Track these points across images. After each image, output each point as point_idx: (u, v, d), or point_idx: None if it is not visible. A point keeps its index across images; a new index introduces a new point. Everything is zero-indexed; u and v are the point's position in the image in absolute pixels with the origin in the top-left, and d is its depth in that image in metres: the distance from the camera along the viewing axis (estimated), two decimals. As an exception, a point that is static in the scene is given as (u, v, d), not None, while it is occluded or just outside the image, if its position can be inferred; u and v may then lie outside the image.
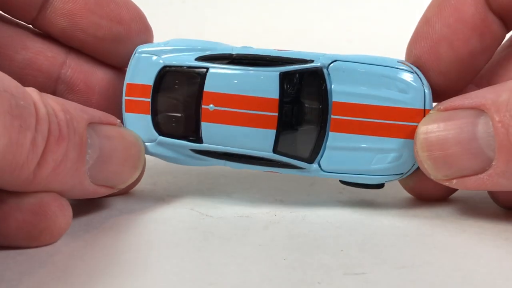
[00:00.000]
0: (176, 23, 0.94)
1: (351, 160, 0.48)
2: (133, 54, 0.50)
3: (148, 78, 0.50)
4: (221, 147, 0.48)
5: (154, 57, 0.50)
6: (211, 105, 0.48)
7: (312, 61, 0.48)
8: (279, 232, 0.47)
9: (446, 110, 0.46)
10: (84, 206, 0.50)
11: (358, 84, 0.48)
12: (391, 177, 0.49)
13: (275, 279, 0.42)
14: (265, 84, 0.48)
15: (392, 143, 0.48)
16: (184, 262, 0.43)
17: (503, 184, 0.45)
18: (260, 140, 0.48)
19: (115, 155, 0.48)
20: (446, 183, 0.46)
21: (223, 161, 0.49)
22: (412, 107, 0.48)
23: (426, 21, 0.49)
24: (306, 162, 0.48)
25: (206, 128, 0.48)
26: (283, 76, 0.48)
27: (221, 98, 0.48)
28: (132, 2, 0.52)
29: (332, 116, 0.48)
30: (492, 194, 0.50)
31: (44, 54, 0.51)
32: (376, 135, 0.48)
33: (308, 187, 0.53)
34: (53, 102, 0.43)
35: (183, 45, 0.50)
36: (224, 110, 0.48)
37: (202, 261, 0.44)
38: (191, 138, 0.49)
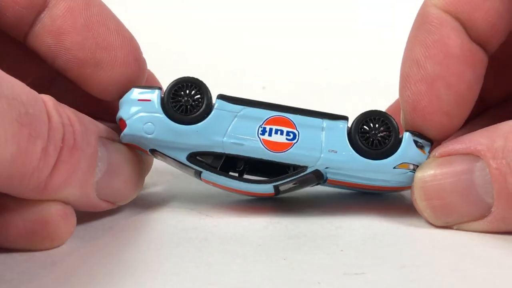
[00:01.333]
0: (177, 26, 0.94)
1: None
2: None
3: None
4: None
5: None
6: None
7: (306, 167, 0.47)
8: (279, 232, 0.47)
9: (441, 156, 0.46)
10: (84, 206, 0.50)
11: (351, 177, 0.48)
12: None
13: (275, 279, 0.42)
14: (260, 190, 0.49)
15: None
16: (184, 262, 0.43)
17: (503, 228, 0.45)
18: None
19: (122, 171, 0.47)
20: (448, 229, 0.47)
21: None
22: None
23: (414, 63, 0.47)
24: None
25: None
26: (277, 186, 0.49)
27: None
28: (127, 31, 0.50)
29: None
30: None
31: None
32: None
33: (308, 188, 0.53)
34: (69, 112, 0.43)
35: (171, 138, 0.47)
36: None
37: (202, 261, 0.44)
38: None
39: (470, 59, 0.47)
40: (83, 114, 0.45)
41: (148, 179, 0.54)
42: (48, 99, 0.42)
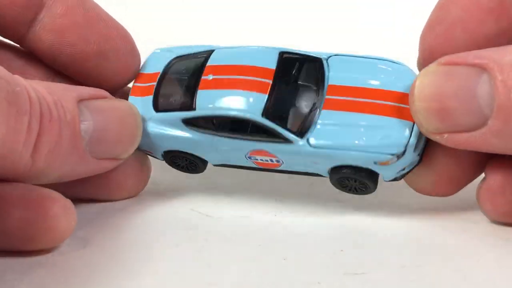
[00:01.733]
0: (176, 24, 0.94)
1: (340, 136, 0.47)
2: (149, 56, 0.52)
3: (158, 67, 0.51)
4: (211, 111, 0.47)
5: (168, 53, 0.51)
6: (210, 75, 0.48)
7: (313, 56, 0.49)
8: (279, 232, 0.47)
9: (447, 64, 0.45)
10: (84, 206, 0.50)
11: (354, 71, 0.48)
12: (381, 156, 0.46)
13: (275, 279, 0.42)
14: (264, 57, 0.49)
15: (382, 121, 0.47)
16: (185, 262, 0.44)
17: (494, 144, 0.44)
18: (251, 102, 0.47)
19: (111, 126, 0.47)
20: (437, 137, 0.45)
21: (212, 137, 0.48)
22: (404, 92, 0.47)
23: (440, 7, 0.48)
24: (295, 135, 0.47)
25: (201, 95, 0.48)
26: (283, 54, 0.49)
27: (221, 69, 0.48)
28: (120, 25, 0.52)
29: (326, 97, 0.48)
30: (483, 207, 0.49)
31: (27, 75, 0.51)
32: (367, 113, 0.47)
33: (308, 187, 0.53)
34: (39, 86, 0.43)
35: (198, 47, 0.51)
36: (222, 78, 0.48)
37: (202, 261, 0.44)
38: (184, 108, 0.48)
39: (497, 11, 0.46)
40: (56, 83, 0.46)
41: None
42: (18, 75, 0.42)
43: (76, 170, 0.46)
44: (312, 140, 0.47)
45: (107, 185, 0.50)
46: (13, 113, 0.40)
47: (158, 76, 0.50)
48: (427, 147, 0.48)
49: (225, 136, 0.48)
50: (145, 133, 0.49)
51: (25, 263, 0.42)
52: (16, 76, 0.42)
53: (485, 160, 0.47)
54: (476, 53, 0.45)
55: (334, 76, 0.48)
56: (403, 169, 0.47)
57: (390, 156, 0.46)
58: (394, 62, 0.49)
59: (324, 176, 0.48)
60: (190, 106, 0.48)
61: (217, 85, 0.48)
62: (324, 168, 0.48)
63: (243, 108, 0.47)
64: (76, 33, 0.49)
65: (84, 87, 0.47)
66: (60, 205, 0.44)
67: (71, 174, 0.46)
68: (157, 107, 0.49)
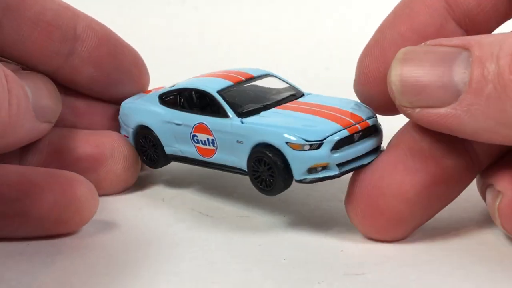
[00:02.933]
0: (175, 23, 0.94)
1: (270, 120, 0.48)
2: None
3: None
4: (182, 86, 0.52)
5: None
6: None
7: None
8: (279, 232, 0.47)
9: (433, 45, 0.45)
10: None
11: (322, 99, 0.50)
12: (294, 138, 0.46)
13: (275, 279, 0.42)
14: (253, 69, 0.53)
15: (315, 119, 0.47)
16: (185, 262, 0.44)
17: (465, 121, 0.43)
18: (216, 82, 0.51)
19: (41, 92, 0.49)
20: (409, 111, 0.45)
21: (172, 111, 0.51)
22: (356, 113, 0.48)
23: (378, 30, 0.49)
24: (234, 114, 0.49)
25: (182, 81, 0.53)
26: (268, 75, 0.53)
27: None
28: (131, 47, 0.55)
29: (286, 104, 0.50)
30: (505, 226, 0.47)
31: None
32: (307, 114, 0.48)
33: (308, 187, 0.53)
34: None
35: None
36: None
37: (203, 261, 0.44)
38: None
39: (432, 36, 0.47)
40: None
41: (148, 179, 0.54)
42: None
43: (31, 133, 0.48)
44: (246, 120, 0.48)
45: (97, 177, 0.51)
46: None
47: None
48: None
49: (181, 110, 0.51)
50: (132, 108, 0.53)
51: (25, 263, 0.42)
52: None
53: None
54: (460, 37, 0.45)
55: (303, 99, 0.50)
56: (316, 169, 0.46)
57: (302, 141, 0.46)
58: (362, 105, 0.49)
59: (244, 172, 0.48)
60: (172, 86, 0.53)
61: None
62: (245, 151, 0.48)
63: (207, 85, 0.51)
64: (110, 62, 0.53)
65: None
66: (86, 187, 0.47)
67: (27, 138, 0.47)
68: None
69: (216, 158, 0.49)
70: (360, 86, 0.49)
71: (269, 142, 0.46)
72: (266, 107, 0.49)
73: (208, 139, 0.49)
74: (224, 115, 0.49)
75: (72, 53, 0.52)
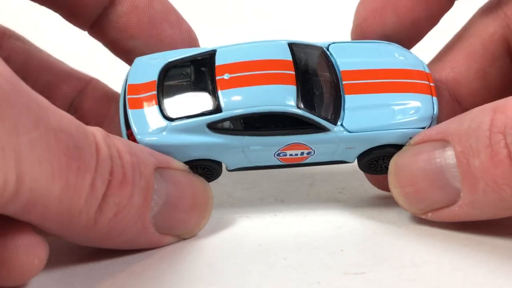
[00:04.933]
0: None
1: (373, 118, 0.47)
2: (132, 65, 0.49)
3: (151, 76, 0.48)
4: (242, 110, 0.45)
5: (154, 60, 0.49)
6: (226, 75, 0.46)
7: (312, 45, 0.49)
8: (279, 232, 0.47)
9: (416, 144, 0.46)
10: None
11: (359, 56, 0.49)
12: (416, 130, 0.47)
13: (275, 279, 0.42)
14: (277, 50, 0.48)
15: (407, 98, 0.47)
16: (185, 262, 0.44)
17: (473, 213, 0.44)
18: (282, 95, 0.46)
19: (182, 202, 0.45)
20: (423, 216, 0.47)
21: (241, 139, 0.46)
22: (415, 68, 0.49)
23: None
24: (330, 123, 0.46)
25: (225, 95, 0.46)
26: (292, 46, 0.48)
27: (235, 66, 0.47)
28: (186, 22, 0.51)
29: (344, 82, 0.48)
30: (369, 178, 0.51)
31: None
32: (389, 92, 0.48)
33: (308, 187, 0.53)
34: (120, 144, 0.41)
35: (182, 51, 0.49)
36: (241, 75, 0.46)
37: (203, 261, 0.44)
38: (208, 112, 0.46)
39: None
40: (138, 145, 0.44)
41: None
42: (97, 131, 0.40)
43: (136, 240, 0.43)
44: (348, 125, 0.47)
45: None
46: (73, 169, 0.37)
47: (156, 84, 0.47)
48: None
49: (256, 135, 0.46)
50: (160, 146, 0.45)
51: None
52: (88, 130, 0.40)
53: None
54: (439, 126, 0.46)
55: (341, 62, 0.49)
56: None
57: (421, 130, 0.47)
58: (386, 43, 0.50)
59: (349, 162, 0.49)
60: (216, 109, 0.45)
61: (239, 83, 0.46)
62: (356, 153, 0.48)
63: (277, 102, 0.46)
64: (137, 36, 0.50)
65: (164, 155, 0.45)
66: (25, 238, 0.39)
67: (130, 243, 0.43)
68: (168, 117, 0.46)
69: (307, 162, 0.48)
70: (357, 36, 0.51)
71: (393, 143, 0.47)
72: (337, 97, 0.47)
73: (302, 152, 0.47)
74: (321, 128, 0.46)
75: (102, 14, 0.49)
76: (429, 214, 0.46)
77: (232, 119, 0.45)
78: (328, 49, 0.49)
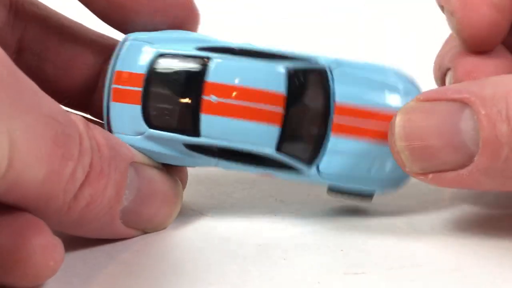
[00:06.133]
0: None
1: (350, 167, 0.47)
2: (121, 41, 0.47)
3: (140, 67, 0.46)
4: (220, 141, 0.46)
5: (147, 46, 0.47)
6: (212, 96, 0.46)
7: (316, 61, 0.47)
8: (279, 232, 0.47)
9: (427, 100, 0.44)
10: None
11: (362, 86, 0.47)
12: (387, 190, 0.47)
13: (275, 279, 0.42)
14: (272, 78, 0.46)
15: (388, 154, 0.46)
16: (184, 262, 0.44)
17: (483, 182, 0.42)
18: (263, 136, 0.46)
19: (152, 199, 0.45)
20: (421, 177, 0.44)
21: (215, 160, 0.47)
22: None
23: None
24: (305, 164, 0.46)
25: (206, 121, 0.46)
26: (290, 72, 0.47)
27: (224, 89, 0.46)
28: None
29: (334, 118, 0.47)
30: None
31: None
32: (377, 143, 0.47)
33: (308, 187, 0.53)
34: (100, 136, 0.41)
35: (179, 35, 0.47)
36: (228, 103, 0.46)
37: (202, 261, 0.44)
38: (186, 131, 0.46)
39: None
40: (117, 138, 0.44)
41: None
42: (79, 120, 0.41)
43: (102, 230, 0.44)
44: (323, 169, 0.47)
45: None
46: (58, 155, 0.38)
47: (143, 80, 0.46)
48: None
49: (231, 161, 0.47)
50: (133, 147, 0.45)
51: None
52: (72, 118, 0.40)
53: None
54: (454, 87, 0.44)
55: (339, 92, 0.47)
56: None
57: (394, 190, 0.47)
58: (399, 76, 0.48)
59: None
60: (194, 132, 0.46)
61: (223, 111, 0.46)
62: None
63: (257, 142, 0.46)
64: (152, 16, 0.47)
65: (138, 151, 0.45)
66: (42, 239, 0.39)
67: (96, 232, 0.44)
68: (149, 122, 0.46)
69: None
70: (461, 16, 0.47)
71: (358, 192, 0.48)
72: (322, 136, 0.47)
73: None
74: (294, 169, 0.47)
75: None
76: (430, 176, 0.44)
77: (211, 146, 0.46)
78: (331, 71, 0.47)
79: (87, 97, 0.51)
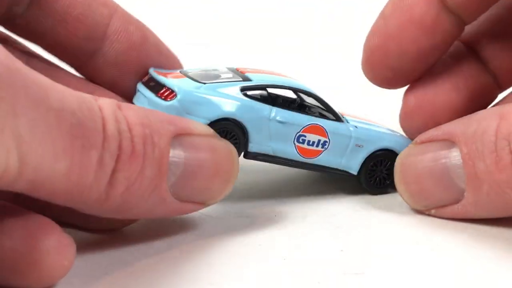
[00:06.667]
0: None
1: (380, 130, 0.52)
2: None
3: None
4: (270, 82, 0.49)
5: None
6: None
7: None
8: (279, 232, 0.47)
9: (422, 143, 0.48)
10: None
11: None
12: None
13: (275, 279, 0.42)
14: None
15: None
16: (184, 262, 0.43)
17: (474, 214, 0.46)
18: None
19: (203, 170, 0.44)
20: (426, 213, 0.48)
21: (269, 107, 0.49)
22: None
23: (382, 16, 0.51)
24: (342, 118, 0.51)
25: (251, 75, 0.50)
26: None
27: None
28: (177, 58, 0.52)
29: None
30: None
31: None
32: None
33: (308, 187, 0.53)
34: (132, 115, 0.41)
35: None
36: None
37: (202, 261, 0.44)
38: (239, 80, 0.49)
39: (431, 27, 0.49)
40: (157, 112, 0.43)
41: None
42: (106, 104, 0.40)
43: (154, 209, 0.43)
44: (358, 126, 0.51)
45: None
46: (77, 147, 0.37)
47: (180, 72, 0.50)
48: None
49: (284, 108, 0.49)
50: (196, 99, 0.47)
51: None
52: (94, 105, 0.39)
53: None
54: (445, 127, 0.47)
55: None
56: None
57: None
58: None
59: (351, 174, 0.51)
60: (246, 79, 0.49)
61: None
62: (363, 156, 0.51)
63: (307, 87, 0.50)
64: (137, 66, 0.49)
65: (188, 120, 0.45)
66: (55, 239, 0.39)
67: (149, 213, 0.43)
68: (201, 81, 0.48)
69: (319, 159, 0.50)
70: (366, 69, 0.52)
71: (393, 149, 0.51)
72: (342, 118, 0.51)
73: (319, 140, 0.49)
74: (338, 119, 0.50)
75: (97, 52, 0.49)
76: (433, 211, 0.48)
77: (263, 89, 0.49)
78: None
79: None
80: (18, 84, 0.36)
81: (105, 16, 0.48)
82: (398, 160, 0.49)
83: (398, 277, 0.42)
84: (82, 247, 0.44)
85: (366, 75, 0.52)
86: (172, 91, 0.47)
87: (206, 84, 0.48)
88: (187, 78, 0.48)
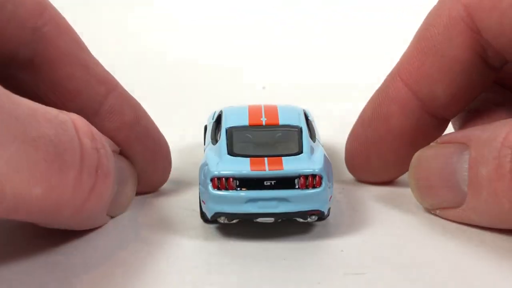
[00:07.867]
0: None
1: None
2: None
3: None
4: None
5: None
6: None
7: None
8: (279, 232, 0.47)
9: (442, 143, 0.48)
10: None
11: None
12: None
13: (275, 279, 0.42)
14: None
15: None
16: (185, 262, 0.44)
17: (474, 219, 0.46)
18: None
19: (127, 187, 0.48)
20: (432, 213, 0.48)
21: None
22: None
23: (362, 123, 0.52)
24: None
25: None
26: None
27: None
28: (164, 139, 0.52)
29: None
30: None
31: None
32: None
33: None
34: (98, 134, 0.43)
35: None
36: None
37: (202, 261, 0.44)
38: None
39: (411, 137, 0.50)
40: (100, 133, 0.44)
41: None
42: (80, 122, 0.41)
43: (94, 221, 0.46)
44: None
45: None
46: (54, 170, 0.39)
47: None
48: None
49: None
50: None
51: (25, 263, 0.42)
52: (69, 124, 0.40)
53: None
54: (466, 131, 0.47)
55: None
56: None
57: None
58: None
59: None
60: None
61: None
62: None
63: None
64: (125, 146, 0.49)
65: (108, 138, 0.46)
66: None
67: (89, 223, 0.46)
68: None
69: None
70: (349, 169, 0.54)
71: None
72: None
73: None
74: None
75: (97, 112, 0.48)
76: (437, 211, 0.48)
77: None
78: None
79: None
80: None
81: (101, 94, 0.47)
82: (415, 155, 0.48)
83: (398, 277, 0.42)
84: (82, 248, 0.45)
85: (349, 171, 0.54)
86: None
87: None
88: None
